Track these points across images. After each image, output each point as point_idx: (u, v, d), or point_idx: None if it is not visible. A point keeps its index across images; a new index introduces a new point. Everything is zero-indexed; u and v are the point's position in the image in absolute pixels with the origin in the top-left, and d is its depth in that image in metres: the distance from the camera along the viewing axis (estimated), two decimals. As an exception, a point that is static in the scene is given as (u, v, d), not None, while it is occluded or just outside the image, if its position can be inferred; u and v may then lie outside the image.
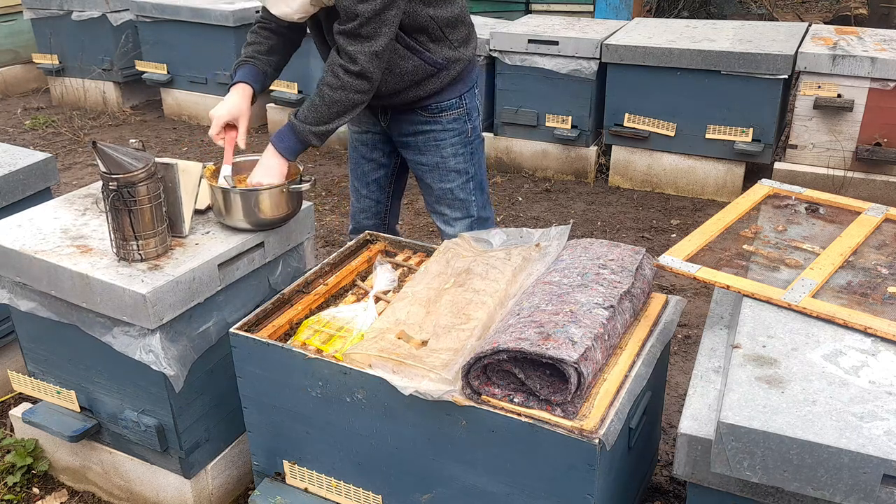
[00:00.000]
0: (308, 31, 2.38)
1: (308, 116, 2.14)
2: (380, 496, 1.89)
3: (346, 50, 2.09)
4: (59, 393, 2.26)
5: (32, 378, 2.31)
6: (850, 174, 4.03)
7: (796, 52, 4.00)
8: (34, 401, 2.43)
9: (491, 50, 4.61)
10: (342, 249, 2.27)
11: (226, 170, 2.13)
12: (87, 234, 2.14)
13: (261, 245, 2.16)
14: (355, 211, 2.69)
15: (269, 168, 2.14)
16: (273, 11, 2.16)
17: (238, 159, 2.22)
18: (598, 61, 4.42)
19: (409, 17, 2.16)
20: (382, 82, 2.22)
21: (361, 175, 2.61)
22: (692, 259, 1.89)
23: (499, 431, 1.63)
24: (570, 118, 4.57)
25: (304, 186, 2.14)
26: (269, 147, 2.16)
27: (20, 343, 2.34)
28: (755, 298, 1.74)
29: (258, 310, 1.98)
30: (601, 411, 1.60)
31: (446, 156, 2.44)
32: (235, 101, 2.23)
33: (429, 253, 2.26)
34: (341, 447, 1.88)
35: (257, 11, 5.28)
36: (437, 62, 2.27)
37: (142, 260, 1.99)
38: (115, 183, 1.90)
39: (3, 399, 2.78)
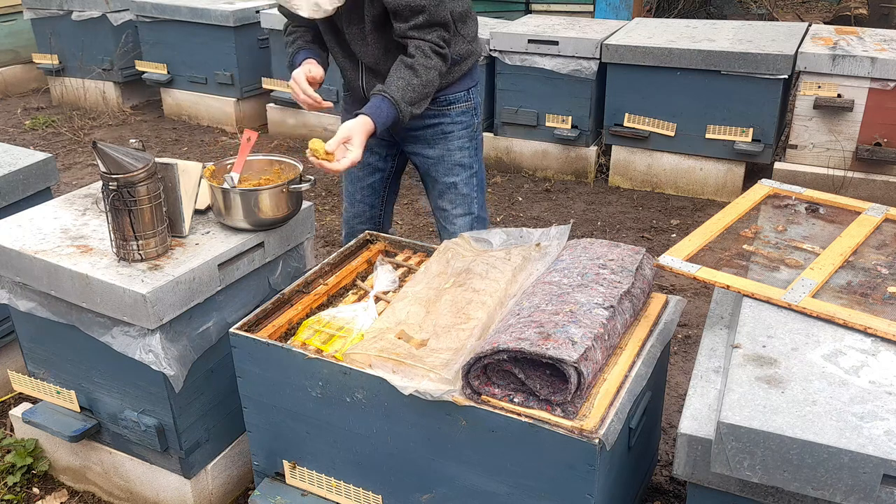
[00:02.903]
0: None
1: (407, 96, 2.13)
2: (380, 496, 1.89)
3: (425, 39, 2.13)
4: (59, 393, 2.26)
5: (32, 378, 2.31)
6: (850, 174, 4.03)
7: (796, 52, 4.00)
8: (34, 401, 2.43)
9: (491, 50, 4.61)
10: (342, 249, 2.27)
11: (234, 177, 2.11)
12: (87, 234, 2.14)
13: (261, 245, 2.16)
14: (349, 216, 2.68)
15: (362, 143, 2.09)
16: (304, 14, 2.12)
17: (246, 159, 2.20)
18: (598, 61, 4.42)
19: None
20: None
21: (356, 179, 2.60)
22: (692, 259, 1.89)
23: (499, 431, 1.63)
24: (570, 118, 4.57)
25: (304, 186, 2.14)
26: (366, 121, 2.10)
27: (20, 343, 2.34)
28: (755, 298, 1.74)
29: (258, 310, 1.98)
30: (601, 411, 1.60)
31: (452, 149, 2.44)
32: (306, 63, 2.24)
33: (429, 253, 2.26)
34: (341, 447, 1.88)
35: (257, 11, 5.28)
36: (452, 57, 2.28)
37: (142, 260, 1.99)
38: (115, 183, 1.90)
39: (3, 399, 2.78)
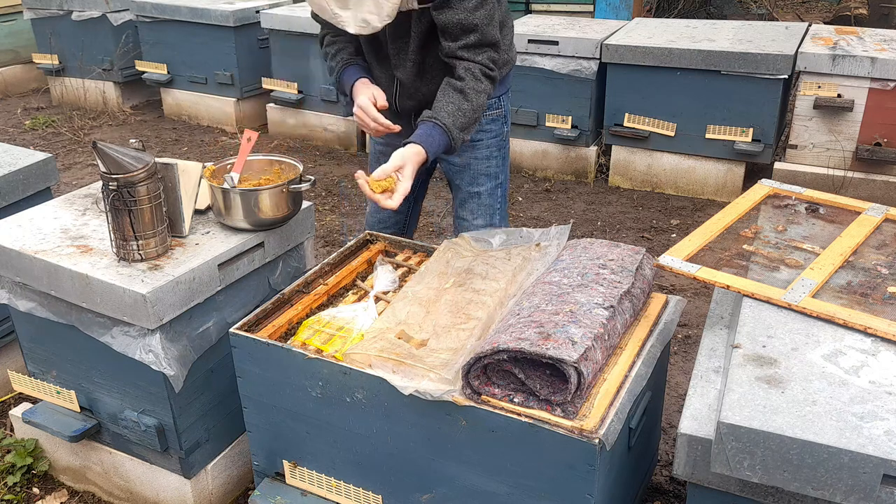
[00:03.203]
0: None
1: (458, 122, 2.04)
2: (380, 496, 1.89)
3: (475, 61, 2.05)
4: (59, 393, 2.26)
5: (32, 378, 2.31)
6: (850, 174, 4.03)
7: (796, 52, 4.00)
8: (34, 401, 2.44)
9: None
10: (342, 249, 2.27)
11: (234, 177, 2.11)
12: (87, 234, 2.14)
13: (261, 245, 2.16)
14: (374, 221, 2.61)
15: (413, 174, 1.98)
16: (351, 31, 2.01)
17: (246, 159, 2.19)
18: (598, 61, 4.42)
19: None
20: (434, 90, 2.16)
21: None
22: (692, 259, 1.89)
23: (499, 431, 1.63)
24: (570, 118, 4.57)
25: (304, 186, 2.14)
26: (419, 151, 1.99)
27: (20, 343, 2.34)
28: (755, 298, 1.74)
29: (258, 310, 1.98)
30: (601, 411, 1.60)
31: (479, 157, 2.38)
32: (366, 87, 2.18)
33: (429, 253, 2.26)
34: (341, 447, 1.88)
35: (257, 11, 5.28)
36: None
37: (142, 260, 1.99)
38: (115, 183, 1.90)
39: (3, 399, 2.79)
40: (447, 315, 1.88)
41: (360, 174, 1.94)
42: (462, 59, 2.07)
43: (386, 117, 2.19)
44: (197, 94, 5.73)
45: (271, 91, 5.37)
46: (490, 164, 2.39)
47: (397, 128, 2.17)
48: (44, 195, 2.71)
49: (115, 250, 2.01)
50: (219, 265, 2.05)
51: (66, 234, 2.14)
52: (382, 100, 2.18)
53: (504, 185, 2.47)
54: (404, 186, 1.95)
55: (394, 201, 1.94)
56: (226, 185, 2.08)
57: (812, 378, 1.49)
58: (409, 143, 2.01)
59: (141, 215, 1.95)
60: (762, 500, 1.52)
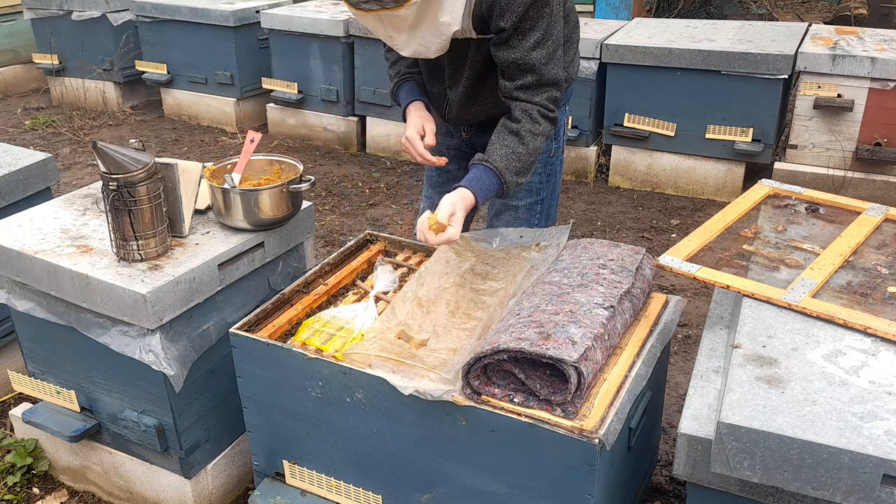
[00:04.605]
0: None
1: (511, 165, 1.95)
2: (380, 496, 1.89)
3: (533, 102, 1.96)
4: (59, 393, 2.26)
5: (32, 378, 2.31)
6: (850, 174, 4.03)
7: (796, 52, 4.00)
8: (34, 401, 2.44)
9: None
10: (342, 249, 2.27)
11: (235, 177, 2.11)
12: (87, 234, 2.14)
13: (261, 245, 2.16)
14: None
15: (461, 220, 1.89)
16: (406, 55, 1.96)
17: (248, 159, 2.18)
18: (598, 61, 4.41)
19: None
20: (484, 111, 2.12)
21: (437, 185, 2.46)
22: (692, 259, 1.89)
23: (499, 431, 1.63)
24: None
25: (304, 186, 2.14)
26: (467, 196, 1.91)
27: (20, 343, 2.34)
28: (755, 298, 1.74)
29: (258, 310, 1.98)
30: (601, 411, 1.60)
31: None
32: (417, 116, 2.12)
33: (429, 253, 2.26)
34: (341, 447, 1.88)
35: (257, 11, 5.28)
36: None
37: (142, 260, 1.99)
38: (115, 183, 1.91)
39: (3, 399, 2.79)
40: (447, 315, 1.88)
41: (425, 218, 1.87)
42: (519, 101, 1.98)
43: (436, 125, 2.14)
44: (197, 94, 5.73)
45: (271, 91, 5.37)
46: (533, 179, 2.28)
47: (442, 161, 2.12)
48: (44, 195, 2.71)
49: (115, 250, 2.01)
50: (219, 265, 2.05)
51: (66, 234, 2.14)
52: (431, 136, 2.11)
53: (546, 202, 2.35)
54: (452, 231, 1.86)
55: (437, 239, 1.86)
56: (226, 185, 2.08)
57: (812, 378, 1.49)
58: (458, 187, 1.92)
59: (141, 215, 1.95)
60: (762, 500, 1.52)
